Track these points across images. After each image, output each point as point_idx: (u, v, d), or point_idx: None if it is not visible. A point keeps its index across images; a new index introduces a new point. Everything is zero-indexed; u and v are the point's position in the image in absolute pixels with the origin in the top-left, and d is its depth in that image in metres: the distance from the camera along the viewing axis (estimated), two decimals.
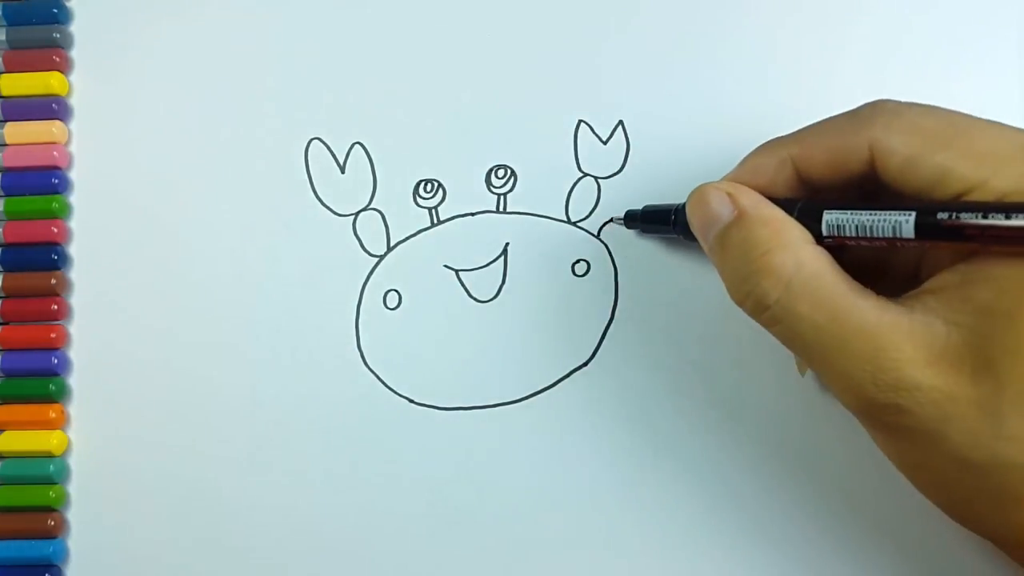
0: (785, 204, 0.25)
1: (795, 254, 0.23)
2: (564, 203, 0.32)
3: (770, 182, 0.26)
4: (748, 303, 0.24)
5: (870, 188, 0.25)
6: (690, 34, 0.32)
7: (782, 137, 0.26)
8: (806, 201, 0.25)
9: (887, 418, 0.23)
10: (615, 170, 0.31)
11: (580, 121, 0.32)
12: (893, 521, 0.29)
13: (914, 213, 0.22)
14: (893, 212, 0.22)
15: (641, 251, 0.31)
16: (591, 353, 0.31)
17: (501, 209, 0.32)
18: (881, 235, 0.23)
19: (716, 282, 0.31)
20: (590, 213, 0.31)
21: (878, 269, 0.26)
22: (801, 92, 0.31)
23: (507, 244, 0.32)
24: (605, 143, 0.32)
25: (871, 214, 0.23)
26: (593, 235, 0.31)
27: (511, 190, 0.32)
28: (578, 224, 0.31)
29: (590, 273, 0.31)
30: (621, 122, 0.32)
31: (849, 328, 0.22)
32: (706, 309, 0.31)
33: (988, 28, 0.30)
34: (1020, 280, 0.21)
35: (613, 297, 0.31)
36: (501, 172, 0.32)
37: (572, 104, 0.32)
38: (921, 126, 0.23)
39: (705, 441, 0.30)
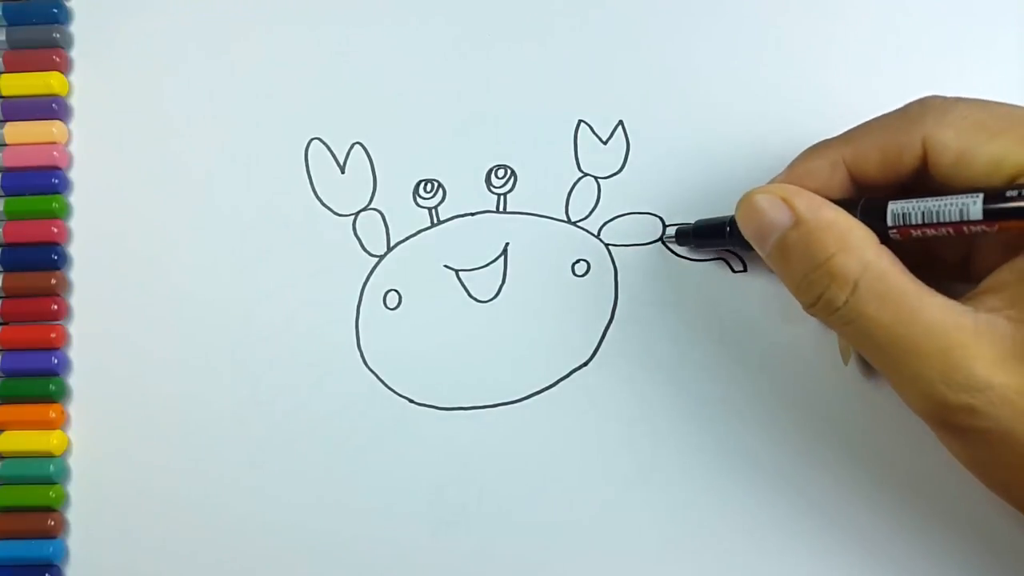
0: (845, 203, 0.25)
1: (860, 256, 0.23)
2: (564, 203, 0.32)
3: (823, 186, 0.26)
4: (818, 307, 0.24)
5: (920, 189, 0.25)
6: (690, 34, 0.32)
7: (829, 140, 0.26)
8: (868, 198, 0.25)
9: (959, 420, 0.22)
10: (615, 170, 0.31)
11: (580, 121, 0.32)
12: (892, 519, 0.29)
13: (981, 194, 0.22)
14: (959, 196, 0.23)
15: (641, 251, 0.31)
16: (591, 353, 0.31)
17: (501, 209, 0.32)
18: (948, 219, 0.23)
19: (715, 282, 0.31)
20: (590, 213, 0.31)
21: (928, 269, 0.26)
22: (799, 92, 0.31)
23: (507, 244, 0.32)
24: (605, 143, 0.32)
25: (937, 200, 0.23)
26: (593, 235, 0.31)
27: (511, 190, 0.32)
28: (578, 224, 0.31)
29: (590, 273, 0.31)
30: (621, 122, 0.32)
31: (918, 328, 0.22)
32: (705, 309, 0.31)
33: (988, 23, 0.31)
34: None
35: (613, 297, 0.31)
36: (501, 172, 0.32)
37: (572, 104, 0.32)
38: (973, 119, 0.23)
39: (705, 440, 0.30)
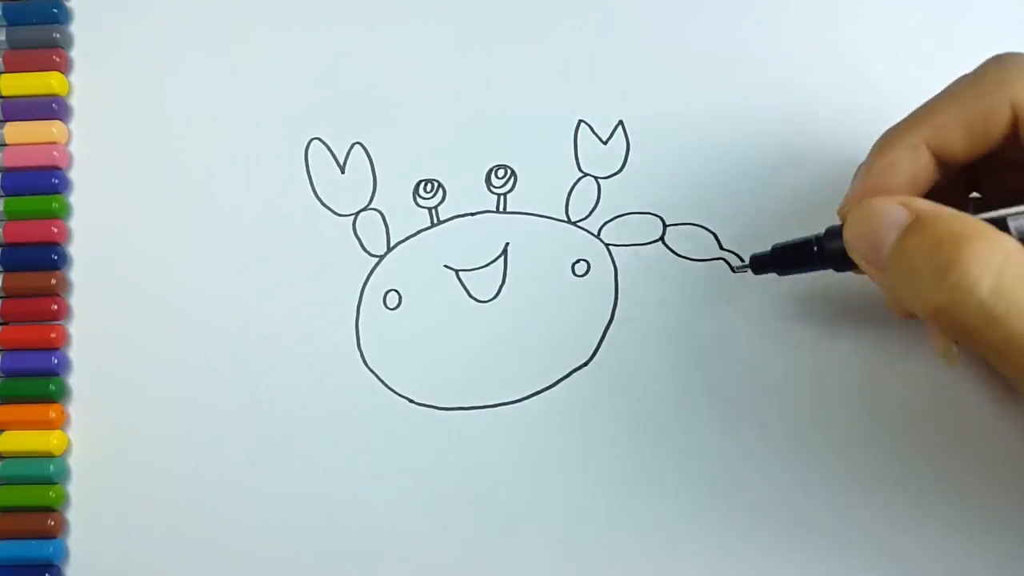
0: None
1: (995, 241, 0.20)
2: (564, 203, 0.32)
3: (910, 177, 0.24)
4: (953, 301, 0.20)
5: (1010, 156, 0.23)
6: (690, 34, 0.32)
7: (903, 123, 0.24)
8: (979, 206, 0.23)
9: None
10: (615, 170, 0.31)
11: (580, 121, 0.32)
12: (893, 518, 0.29)
13: None
14: None
15: (641, 251, 0.31)
16: (591, 353, 0.31)
17: (501, 209, 0.32)
18: None
19: (715, 281, 0.31)
20: (590, 213, 0.31)
21: None
22: (799, 91, 0.31)
23: (507, 244, 0.32)
24: (605, 143, 0.32)
25: None
26: (593, 235, 0.31)
27: (511, 190, 0.32)
28: (578, 224, 0.31)
29: (590, 273, 0.31)
30: (621, 122, 0.32)
31: None
32: (705, 309, 0.31)
33: (988, 24, 0.31)
34: None
35: (613, 297, 0.31)
36: (501, 172, 0.32)
37: (572, 104, 0.32)
38: None
39: (705, 441, 0.30)
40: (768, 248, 0.28)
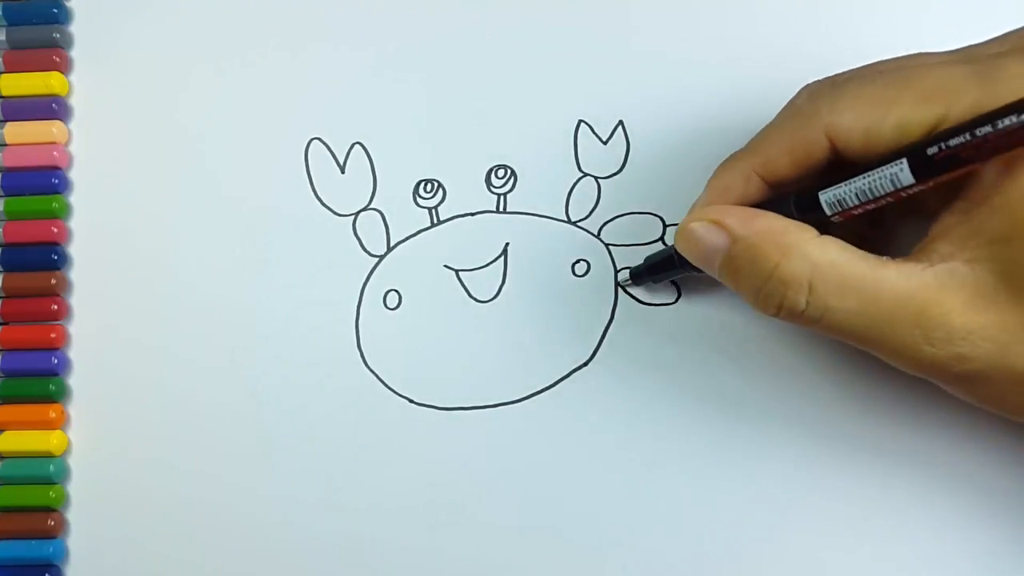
0: (777, 203, 0.25)
1: (803, 255, 0.24)
2: (564, 203, 0.32)
3: (741, 198, 0.26)
4: (782, 315, 0.25)
5: (835, 171, 0.25)
6: (690, 34, 0.32)
7: (737, 153, 0.27)
8: (798, 194, 0.25)
9: (953, 369, 0.23)
10: (615, 170, 0.31)
11: (580, 121, 0.32)
12: (895, 516, 0.29)
13: (904, 159, 0.22)
14: (884, 167, 0.23)
15: (641, 251, 0.31)
16: (591, 353, 0.31)
17: (501, 209, 0.32)
18: (882, 192, 0.23)
19: (715, 282, 0.31)
20: (590, 213, 0.31)
21: (881, 221, 0.27)
22: None
23: (507, 244, 0.32)
24: (605, 143, 0.32)
25: (864, 177, 0.23)
26: (593, 235, 0.31)
27: (511, 190, 0.32)
28: (578, 224, 0.31)
29: (590, 273, 0.31)
30: (621, 122, 0.32)
31: (885, 304, 0.23)
32: (705, 309, 0.31)
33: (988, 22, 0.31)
34: (1018, 201, 0.22)
35: (613, 297, 0.31)
36: (501, 172, 0.32)
37: (572, 104, 0.32)
38: (865, 95, 0.24)
39: (705, 440, 0.30)
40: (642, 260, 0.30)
